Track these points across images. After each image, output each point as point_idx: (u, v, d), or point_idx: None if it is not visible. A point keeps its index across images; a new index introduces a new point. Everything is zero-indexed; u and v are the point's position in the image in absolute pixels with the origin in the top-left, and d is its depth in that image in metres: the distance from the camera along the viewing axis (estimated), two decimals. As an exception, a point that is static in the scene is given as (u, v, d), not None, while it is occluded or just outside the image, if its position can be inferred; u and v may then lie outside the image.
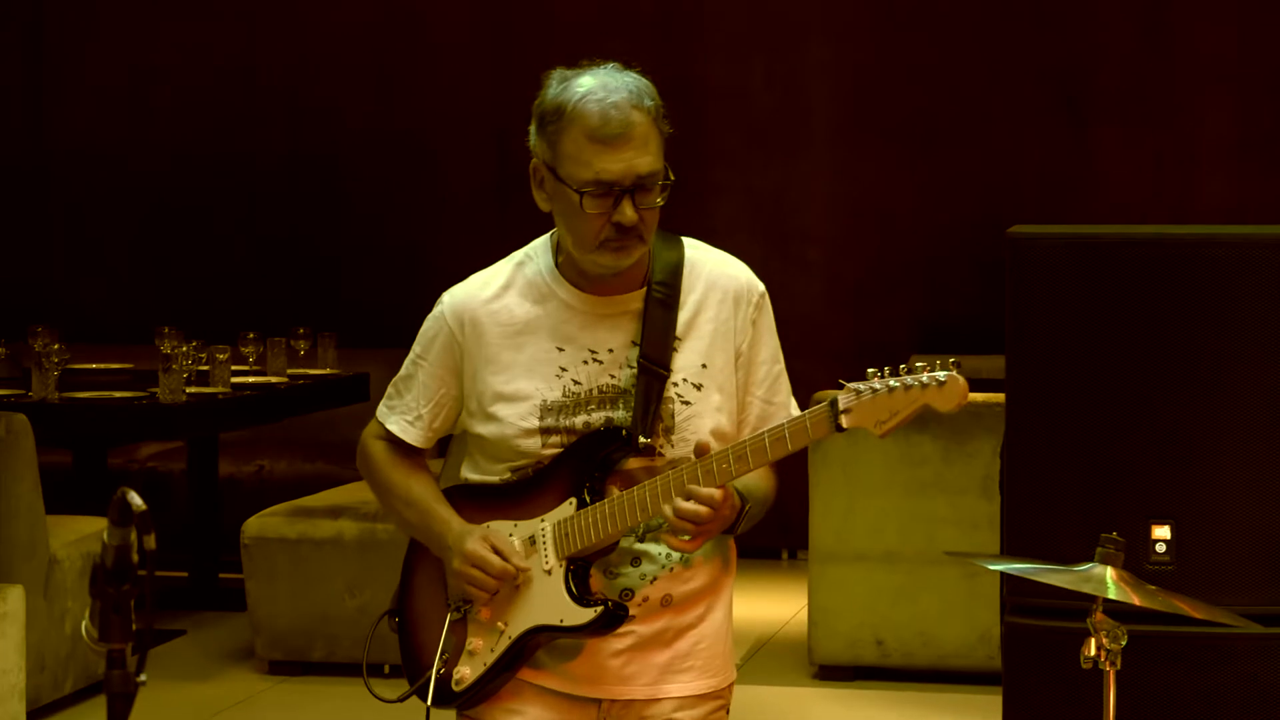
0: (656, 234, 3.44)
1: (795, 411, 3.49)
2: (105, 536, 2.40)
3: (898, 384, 3.17)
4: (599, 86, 3.33)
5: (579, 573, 3.39)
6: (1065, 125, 9.45)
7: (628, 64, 3.43)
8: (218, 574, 8.52)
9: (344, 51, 10.00)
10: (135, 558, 2.39)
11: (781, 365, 3.54)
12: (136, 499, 2.36)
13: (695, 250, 3.51)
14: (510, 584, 3.40)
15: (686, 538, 3.29)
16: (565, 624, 3.37)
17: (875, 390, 3.18)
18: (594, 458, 3.39)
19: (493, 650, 3.43)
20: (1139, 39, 9.38)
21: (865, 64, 9.59)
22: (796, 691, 7.02)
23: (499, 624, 3.43)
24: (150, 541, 2.35)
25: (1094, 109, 9.43)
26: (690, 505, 3.25)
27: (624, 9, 9.72)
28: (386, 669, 3.71)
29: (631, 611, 3.41)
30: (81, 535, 6.75)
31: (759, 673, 7.21)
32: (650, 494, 3.32)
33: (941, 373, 3.16)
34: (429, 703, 3.45)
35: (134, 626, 2.40)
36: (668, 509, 3.27)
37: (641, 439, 3.37)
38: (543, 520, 3.41)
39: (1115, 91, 9.40)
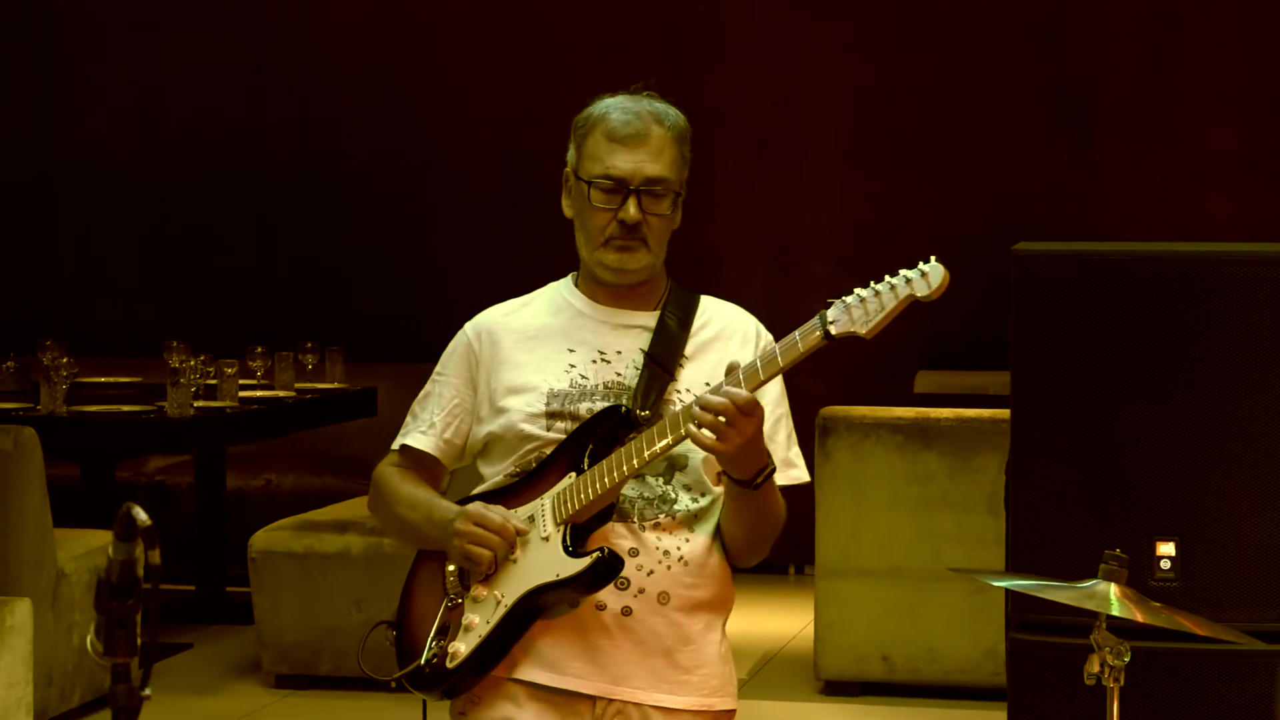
0: (675, 287, 3.61)
1: (796, 455, 3.59)
2: (110, 551, 2.41)
3: (882, 286, 3.31)
4: (629, 99, 3.56)
5: (576, 530, 3.42)
6: (1071, 142, 9.46)
7: (664, 95, 3.60)
8: (225, 588, 8.53)
9: (352, 66, 10.01)
10: (140, 572, 2.40)
11: (786, 410, 3.61)
12: (142, 514, 2.37)
13: (710, 299, 3.66)
14: (509, 542, 3.42)
15: (712, 438, 3.30)
16: (560, 577, 3.38)
17: (862, 298, 3.31)
18: (594, 434, 3.45)
19: (489, 622, 3.43)
20: (1145, 56, 9.38)
21: (871, 81, 9.60)
22: (802, 707, 7.01)
23: (496, 595, 3.44)
24: (155, 556, 2.36)
25: (1100, 126, 9.43)
26: (711, 397, 3.28)
27: (631, 27, 9.73)
28: (393, 684, 3.71)
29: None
30: (89, 548, 6.75)
31: (765, 687, 7.21)
32: (640, 442, 3.37)
33: (924, 265, 3.33)
34: (423, 666, 3.47)
35: (139, 640, 2.41)
36: (691, 405, 3.31)
37: (640, 412, 3.43)
38: (543, 498, 3.46)
39: (1121, 109, 9.41)
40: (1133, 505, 4.54)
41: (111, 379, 8.50)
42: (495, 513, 3.44)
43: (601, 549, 3.37)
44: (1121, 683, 3.39)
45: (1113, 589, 3.39)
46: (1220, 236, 9.02)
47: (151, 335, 9.00)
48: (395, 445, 3.66)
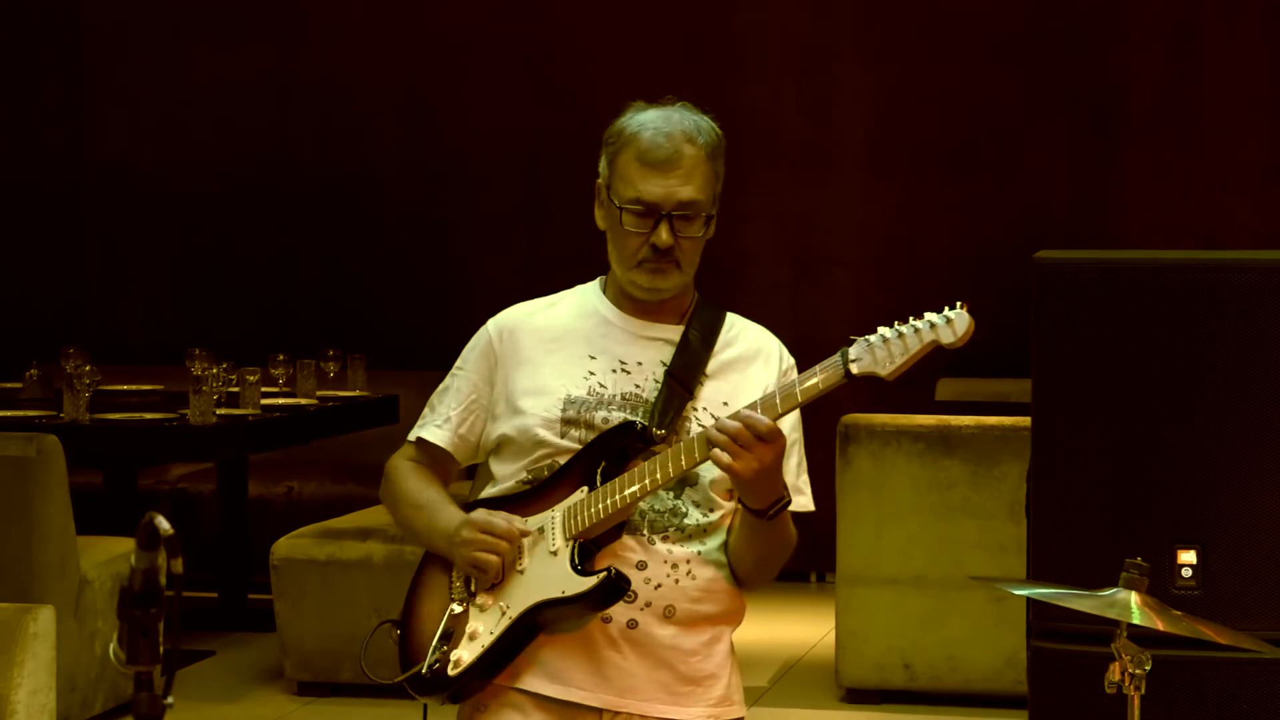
0: (703, 303, 3.62)
1: (804, 482, 3.60)
2: (133, 560, 2.42)
3: (906, 329, 3.32)
4: (660, 117, 3.53)
5: (584, 548, 3.42)
6: (1094, 150, 9.45)
7: (702, 108, 3.59)
8: (247, 595, 8.54)
9: (377, 74, 10.03)
10: (163, 581, 2.41)
11: (799, 437, 3.62)
12: (164, 523, 2.38)
13: (736, 317, 3.66)
14: (517, 545, 3.43)
15: (728, 459, 3.31)
16: (566, 594, 3.39)
17: (885, 338, 3.32)
18: (608, 449, 3.45)
19: (492, 632, 3.44)
20: (1169, 63, 9.37)
21: (895, 88, 9.60)
22: (824, 714, 7.00)
23: (501, 605, 3.45)
24: (178, 565, 2.37)
25: (1124, 133, 9.42)
26: (730, 422, 3.30)
27: (655, 34, 9.74)
28: (405, 687, 3.71)
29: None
30: (112, 556, 6.77)
31: (786, 695, 7.20)
32: (654, 464, 3.38)
33: (950, 311, 3.30)
34: (424, 671, 3.48)
35: (161, 648, 2.42)
36: (711, 428, 3.32)
37: (656, 430, 3.44)
38: (553, 510, 3.46)
39: (1145, 116, 9.40)
40: (1154, 513, 4.54)
41: (134, 386, 8.53)
42: (500, 518, 3.45)
43: (609, 569, 3.38)
44: (1143, 691, 3.38)
45: (1134, 597, 3.39)
46: (1244, 245, 9.00)
47: (175, 343, 9.03)
48: (411, 437, 3.68)
